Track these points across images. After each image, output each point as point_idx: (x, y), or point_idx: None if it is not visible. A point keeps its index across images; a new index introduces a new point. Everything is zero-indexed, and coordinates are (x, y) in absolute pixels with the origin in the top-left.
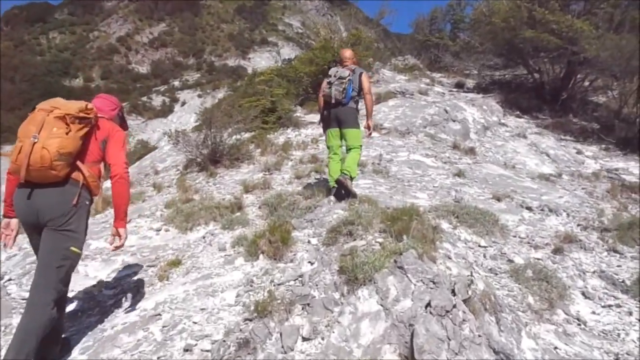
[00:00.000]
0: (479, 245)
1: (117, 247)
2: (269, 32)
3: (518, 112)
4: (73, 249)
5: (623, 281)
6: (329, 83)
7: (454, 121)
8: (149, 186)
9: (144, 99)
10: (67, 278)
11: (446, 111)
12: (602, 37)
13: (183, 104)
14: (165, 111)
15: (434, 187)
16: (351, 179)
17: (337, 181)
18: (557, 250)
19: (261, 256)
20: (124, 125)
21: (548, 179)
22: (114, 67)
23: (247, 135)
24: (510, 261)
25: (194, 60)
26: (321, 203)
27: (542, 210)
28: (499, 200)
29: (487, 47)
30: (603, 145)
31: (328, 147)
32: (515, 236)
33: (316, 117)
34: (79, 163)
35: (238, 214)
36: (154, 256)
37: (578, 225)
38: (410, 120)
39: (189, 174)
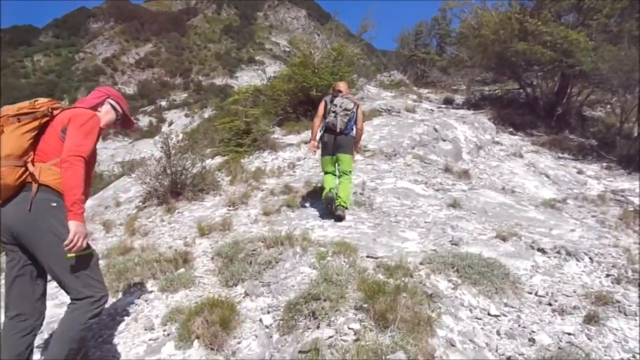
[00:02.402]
0: (489, 314)
1: (67, 247)
2: (256, 51)
3: (511, 129)
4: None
5: None
6: (334, 112)
7: (444, 140)
8: (100, 224)
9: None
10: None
11: (436, 130)
12: (600, 48)
13: (170, 124)
14: (153, 132)
15: (425, 222)
16: (346, 209)
17: (337, 216)
18: (591, 319)
19: (196, 342)
20: (125, 121)
21: (554, 206)
22: None
23: (219, 160)
24: (533, 340)
25: (181, 80)
26: (285, 256)
27: (558, 252)
28: (504, 240)
29: (476, 61)
30: (604, 164)
31: (324, 172)
32: (531, 293)
33: (295, 139)
34: (29, 164)
35: (182, 269)
36: None
37: (607, 275)
38: (397, 140)
39: (147, 209)
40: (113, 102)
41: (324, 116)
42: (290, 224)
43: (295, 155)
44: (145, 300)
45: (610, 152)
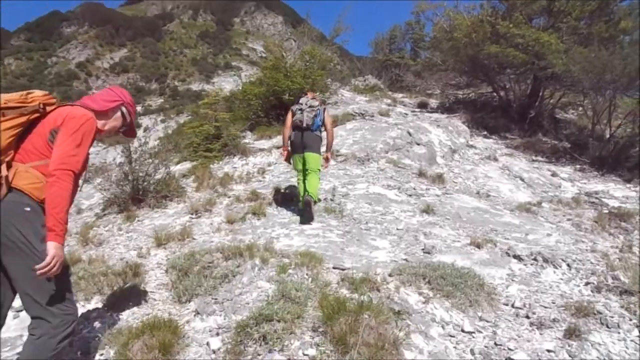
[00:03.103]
0: (462, 330)
1: (40, 271)
2: (232, 57)
3: (485, 133)
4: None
5: None
6: (301, 110)
7: (418, 144)
8: None
9: None
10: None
11: (410, 134)
12: (571, 50)
13: (145, 129)
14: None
15: (397, 229)
16: (314, 202)
17: (305, 201)
18: (572, 333)
19: None
20: (129, 130)
21: (529, 210)
22: (74, 92)
23: (187, 165)
24: None
25: (157, 85)
26: (243, 269)
27: (534, 259)
28: (478, 247)
29: (450, 65)
30: (577, 166)
31: (296, 170)
32: (508, 305)
33: (267, 143)
34: (4, 164)
35: (131, 284)
36: None
37: (587, 283)
38: (370, 144)
39: (106, 217)
40: (125, 111)
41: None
42: (255, 233)
43: (266, 161)
44: (86, 319)
45: (583, 154)
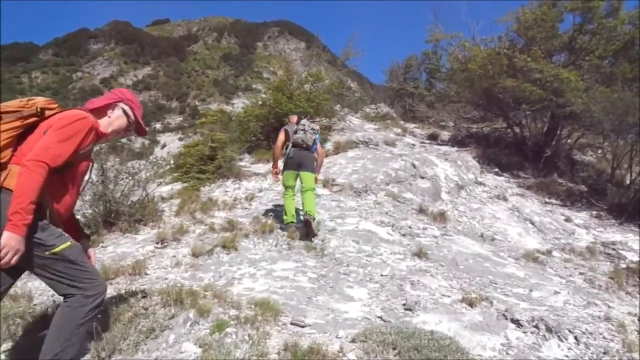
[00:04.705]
0: None
1: None
2: (253, 79)
3: (497, 170)
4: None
5: None
6: (303, 130)
7: (422, 178)
8: None
9: (124, 140)
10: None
11: (414, 166)
12: (592, 89)
13: (163, 146)
14: (144, 153)
15: (381, 276)
16: (313, 219)
17: (305, 221)
18: None
19: None
20: (139, 128)
21: (536, 260)
22: None
23: (179, 186)
24: None
25: (177, 103)
26: (174, 322)
27: (535, 327)
28: (471, 305)
29: (464, 97)
30: (594, 212)
31: (285, 187)
32: None
33: (264, 168)
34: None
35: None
36: None
37: None
38: (370, 175)
39: None
40: (126, 107)
41: (285, 144)
42: (218, 271)
43: (258, 186)
44: None
45: (601, 199)
